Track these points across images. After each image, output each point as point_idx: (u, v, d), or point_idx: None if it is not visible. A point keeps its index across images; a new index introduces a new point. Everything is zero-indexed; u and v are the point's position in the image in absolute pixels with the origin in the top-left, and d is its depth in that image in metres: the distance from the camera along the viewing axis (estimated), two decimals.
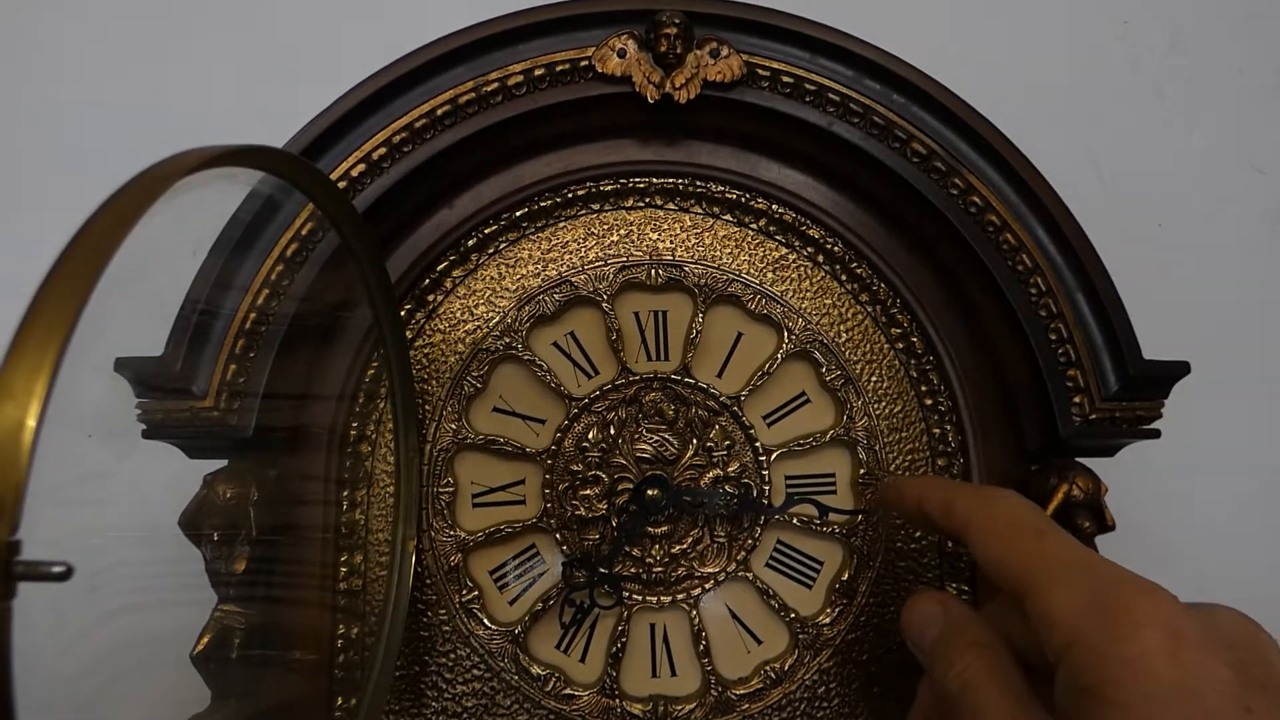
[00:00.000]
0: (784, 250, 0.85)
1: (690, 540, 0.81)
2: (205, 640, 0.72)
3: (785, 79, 0.79)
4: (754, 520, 0.81)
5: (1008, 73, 1.16)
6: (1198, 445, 1.04)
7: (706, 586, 0.81)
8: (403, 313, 0.82)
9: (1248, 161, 1.24)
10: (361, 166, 0.77)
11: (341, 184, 0.75)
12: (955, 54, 1.11)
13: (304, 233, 0.75)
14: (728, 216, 0.86)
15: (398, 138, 0.77)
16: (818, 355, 0.83)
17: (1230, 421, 1.14)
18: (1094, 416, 0.76)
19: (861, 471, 0.82)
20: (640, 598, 0.80)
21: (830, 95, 0.79)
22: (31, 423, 0.33)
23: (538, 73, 0.78)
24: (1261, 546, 1.14)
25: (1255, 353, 1.17)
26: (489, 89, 0.78)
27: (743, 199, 0.85)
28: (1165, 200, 1.21)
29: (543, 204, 0.85)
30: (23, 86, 1.15)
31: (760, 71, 0.79)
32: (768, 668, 0.80)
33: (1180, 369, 0.76)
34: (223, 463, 0.76)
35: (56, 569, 0.34)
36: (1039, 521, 0.62)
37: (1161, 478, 1.03)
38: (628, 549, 0.80)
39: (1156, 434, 0.78)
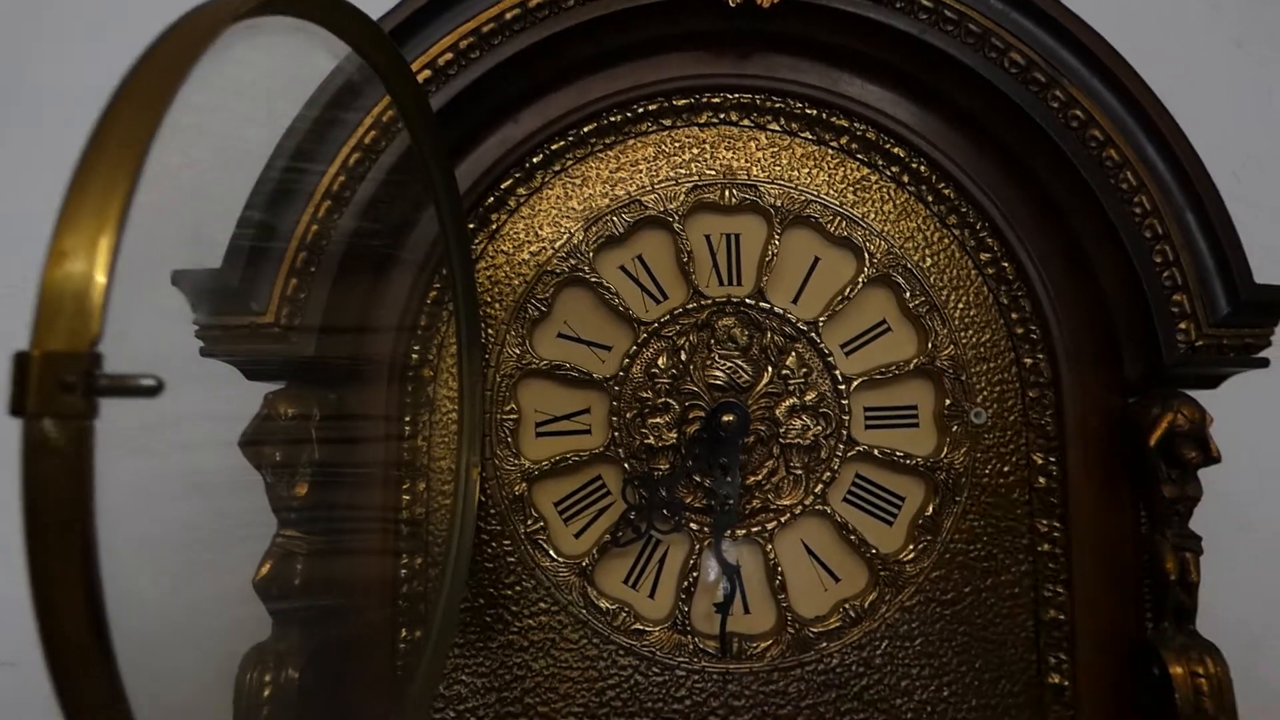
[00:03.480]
0: (866, 170, 0.81)
1: (765, 471, 0.78)
2: (267, 567, 0.70)
3: None
4: (832, 451, 0.78)
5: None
6: None
7: (782, 520, 0.77)
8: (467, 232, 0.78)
9: None
10: (427, 73, 0.73)
11: None
12: None
13: (367, 141, 0.71)
14: (806, 134, 0.81)
15: (464, 43, 0.73)
16: (900, 280, 0.79)
17: None
18: (1200, 343, 0.72)
19: (947, 403, 0.78)
20: (710, 530, 0.77)
21: (923, 1, 0.74)
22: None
23: None
24: None
25: None
26: None
27: (823, 115, 0.80)
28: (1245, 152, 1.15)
29: (611, 119, 0.80)
30: None
31: None
32: (847, 605, 0.76)
33: None
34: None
35: (146, 382, 0.30)
36: None
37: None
38: (698, 479, 0.77)
39: (1265, 363, 0.74)
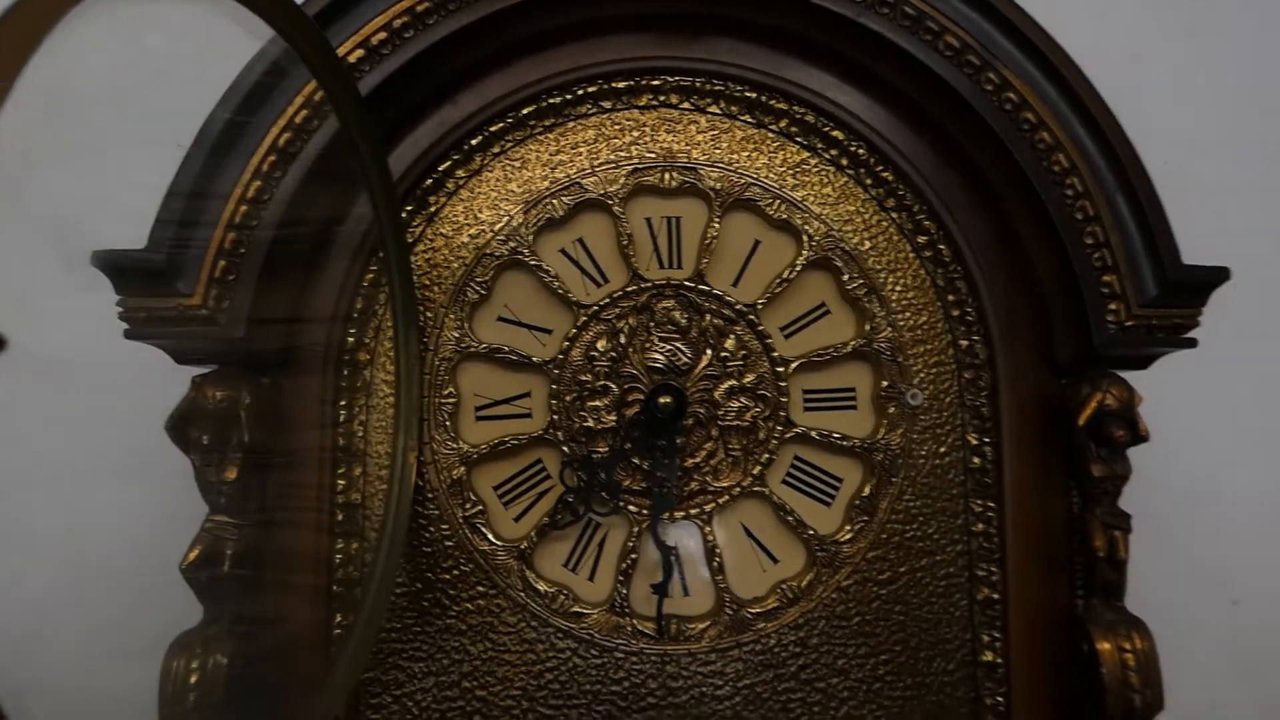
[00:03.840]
0: (805, 153, 0.81)
1: (704, 453, 0.78)
2: (195, 552, 0.69)
3: None
4: (771, 433, 0.78)
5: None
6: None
7: (721, 502, 0.78)
8: (403, 215, 0.78)
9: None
10: (360, 52, 0.72)
11: None
12: None
13: (298, 121, 0.70)
14: (746, 117, 0.81)
15: (399, 22, 0.72)
16: (839, 263, 0.79)
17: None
18: (1130, 324, 0.73)
19: (884, 385, 0.79)
20: (649, 513, 0.77)
21: None
22: None
23: None
24: None
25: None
26: None
27: (763, 99, 0.80)
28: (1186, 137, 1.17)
29: (551, 102, 0.80)
30: None
31: None
32: (784, 586, 0.77)
33: (1220, 275, 0.73)
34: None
35: None
36: None
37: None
38: (636, 462, 0.77)
39: (1193, 343, 0.75)
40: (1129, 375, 0.77)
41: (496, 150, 0.80)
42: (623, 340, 0.78)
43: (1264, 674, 1.10)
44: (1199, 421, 1.07)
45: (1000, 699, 0.76)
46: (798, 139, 0.81)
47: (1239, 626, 1.12)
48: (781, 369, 0.78)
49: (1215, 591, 1.13)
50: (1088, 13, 1.16)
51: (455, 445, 0.77)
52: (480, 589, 0.76)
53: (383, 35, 0.72)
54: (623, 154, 0.80)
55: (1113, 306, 0.73)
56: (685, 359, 0.78)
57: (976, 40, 0.74)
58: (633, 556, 0.76)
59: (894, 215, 0.80)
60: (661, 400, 0.74)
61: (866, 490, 0.78)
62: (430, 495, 0.77)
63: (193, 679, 0.65)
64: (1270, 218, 1.17)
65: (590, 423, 0.77)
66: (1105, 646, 0.72)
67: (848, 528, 0.78)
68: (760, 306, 0.79)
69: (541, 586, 0.76)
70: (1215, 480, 1.11)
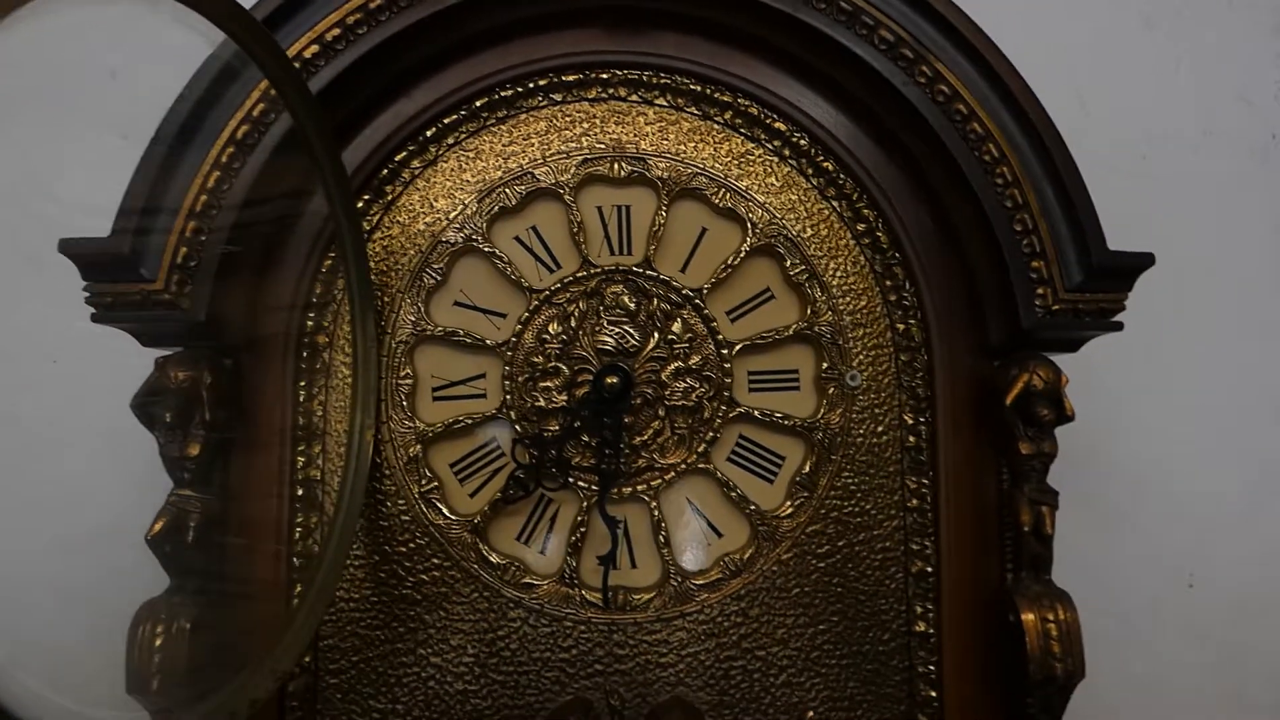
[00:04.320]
0: (749, 144, 0.84)
1: (651, 431, 0.81)
2: (160, 524, 0.72)
3: None
4: (715, 412, 0.81)
5: None
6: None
7: (667, 479, 0.81)
8: (360, 204, 0.81)
9: (1235, 95, 1.22)
10: (315, 48, 0.75)
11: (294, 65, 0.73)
12: None
13: (255, 114, 0.73)
14: (692, 109, 0.84)
15: (352, 18, 0.75)
16: (782, 250, 0.82)
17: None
18: (1057, 308, 0.76)
19: (825, 366, 0.82)
20: (598, 489, 0.80)
21: None
22: None
23: None
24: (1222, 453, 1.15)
25: (1233, 289, 1.16)
26: None
27: (708, 91, 0.83)
28: (1152, 132, 1.19)
29: (503, 94, 0.83)
30: None
31: None
32: (727, 559, 0.80)
33: (1145, 260, 0.76)
34: None
35: None
36: None
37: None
38: (586, 439, 0.80)
39: (1119, 326, 0.78)
40: (1062, 358, 0.80)
41: (451, 141, 0.83)
42: (574, 324, 0.81)
43: (1216, 650, 1.13)
44: (1159, 408, 1.10)
45: (932, 667, 0.79)
46: (742, 130, 0.84)
47: (1194, 606, 1.16)
48: (726, 351, 0.82)
49: (1172, 573, 1.16)
50: (1064, 10, 1.18)
51: (412, 424, 0.80)
52: (435, 561, 0.80)
53: (336, 31, 0.75)
54: (573, 145, 0.83)
55: (1040, 291, 0.76)
56: (634, 341, 0.81)
57: (911, 34, 0.77)
58: (582, 530, 0.80)
59: (835, 204, 0.83)
60: (608, 380, 0.78)
61: (807, 468, 0.81)
62: (388, 472, 0.80)
63: (157, 642, 0.69)
64: (1246, 213, 1.18)
65: (542, 402, 0.80)
66: (1030, 617, 0.75)
67: (789, 503, 0.81)
68: (706, 291, 0.82)
69: (494, 559, 0.79)
70: (1170, 466, 1.13)
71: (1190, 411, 1.15)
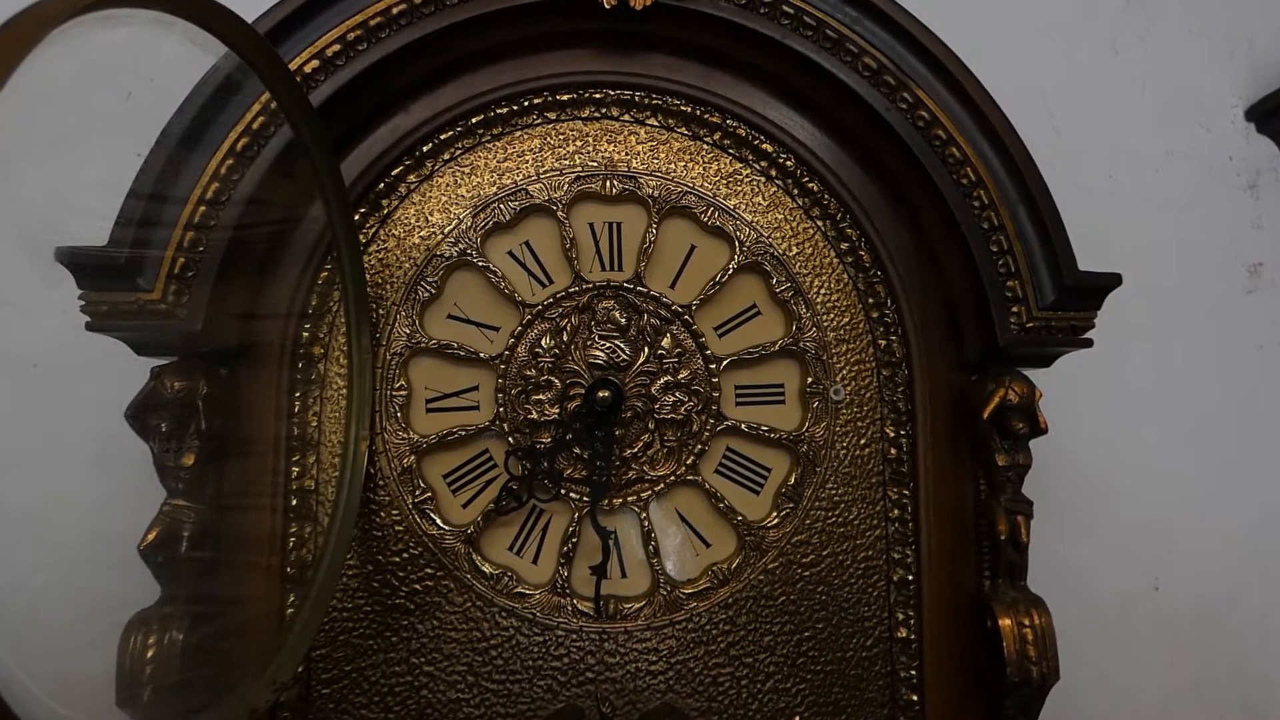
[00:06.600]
0: (738, 164, 0.87)
1: (641, 444, 0.83)
2: (153, 534, 0.72)
3: None
4: (703, 425, 0.83)
5: (967, 17, 1.17)
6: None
7: (657, 490, 0.83)
8: (356, 217, 0.82)
9: (1194, 119, 1.28)
10: (315, 63, 0.76)
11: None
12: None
13: (255, 127, 0.74)
14: (683, 130, 0.87)
15: (352, 35, 0.77)
16: (768, 268, 0.85)
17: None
18: (1031, 325, 0.79)
19: (809, 381, 0.84)
20: (589, 500, 0.82)
21: (784, 8, 0.80)
22: None
23: None
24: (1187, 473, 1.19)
25: (1194, 305, 1.22)
26: None
27: (698, 112, 0.86)
28: (1115, 151, 1.25)
29: (499, 112, 0.85)
30: None
31: None
32: (715, 569, 0.82)
33: (1113, 280, 0.79)
34: None
35: None
36: None
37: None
38: (578, 451, 0.82)
39: (1089, 343, 0.81)
40: (1035, 373, 0.83)
41: (447, 157, 0.84)
42: (566, 338, 0.83)
43: (1183, 650, 1.18)
44: (1125, 419, 1.14)
45: (914, 672, 0.82)
46: (730, 151, 0.87)
47: (1160, 608, 1.20)
48: (714, 366, 0.84)
49: (1139, 576, 1.20)
50: (1030, 30, 1.23)
51: (406, 435, 0.81)
52: (428, 571, 0.80)
53: (337, 48, 0.76)
54: (567, 162, 0.85)
55: (1015, 310, 0.79)
56: (624, 356, 0.83)
57: (892, 62, 0.80)
58: (574, 541, 0.81)
59: (819, 223, 0.86)
60: (600, 394, 0.79)
61: (792, 479, 0.83)
62: (382, 482, 0.81)
63: (149, 654, 0.69)
64: (1203, 231, 1.24)
65: (534, 415, 0.82)
66: (1006, 623, 0.78)
67: (775, 514, 0.83)
68: (695, 307, 0.84)
69: (487, 569, 0.80)
70: (1136, 474, 1.18)
71: (1153, 422, 1.19)
